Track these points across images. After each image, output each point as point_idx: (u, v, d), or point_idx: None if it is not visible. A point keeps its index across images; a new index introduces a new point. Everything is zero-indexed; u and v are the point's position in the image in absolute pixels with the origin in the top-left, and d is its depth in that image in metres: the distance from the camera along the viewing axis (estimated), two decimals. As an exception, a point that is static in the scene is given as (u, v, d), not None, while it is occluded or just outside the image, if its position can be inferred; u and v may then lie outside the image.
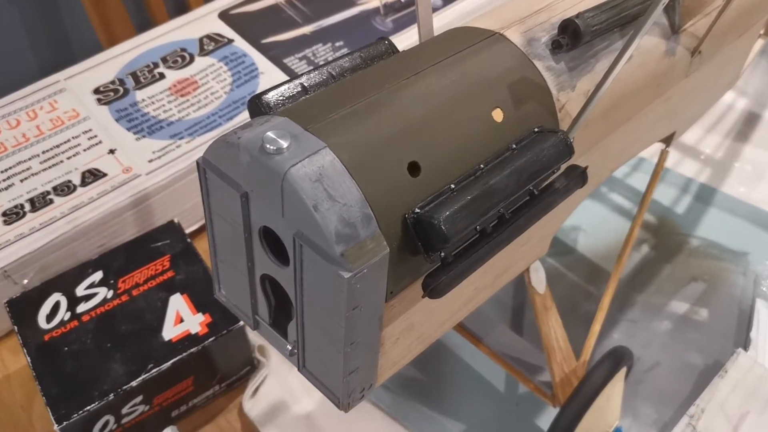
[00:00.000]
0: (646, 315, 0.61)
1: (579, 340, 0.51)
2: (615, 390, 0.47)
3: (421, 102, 0.32)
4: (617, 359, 0.47)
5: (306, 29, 0.79)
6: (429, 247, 0.30)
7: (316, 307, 0.31)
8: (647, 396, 0.56)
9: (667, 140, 0.53)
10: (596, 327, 0.51)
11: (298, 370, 0.35)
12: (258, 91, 0.71)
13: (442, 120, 0.32)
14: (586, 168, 0.36)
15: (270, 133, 0.28)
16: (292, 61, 0.74)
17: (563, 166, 0.35)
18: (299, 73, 0.36)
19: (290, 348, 0.35)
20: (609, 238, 0.67)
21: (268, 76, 0.73)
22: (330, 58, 0.74)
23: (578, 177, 0.36)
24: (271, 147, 0.28)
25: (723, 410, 0.53)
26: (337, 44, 0.76)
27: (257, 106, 0.34)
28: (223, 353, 0.53)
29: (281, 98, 0.34)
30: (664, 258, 0.66)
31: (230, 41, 0.78)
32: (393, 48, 0.38)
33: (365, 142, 0.30)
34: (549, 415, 0.54)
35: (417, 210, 0.30)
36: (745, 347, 0.58)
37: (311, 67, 0.67)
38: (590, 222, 0.69)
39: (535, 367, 0.51)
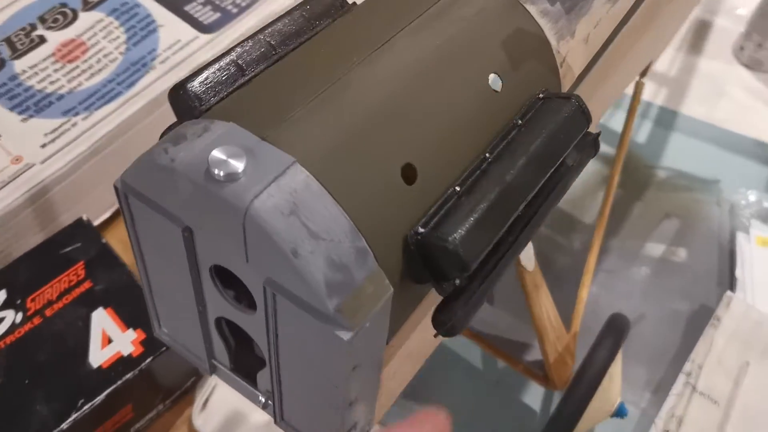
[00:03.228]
0: (622, 263, 0.57)
1: (554, 298, 0.46)
2: (616, 367, 0.42)
3: (401, 82, 0.24)
4: (618, 334, 0.42)
5: (207, -33, 0.68)
6: (441, 277, 0.23)
7: (298, 360, 0.24)
8: (635, 354, 0.52)
9: (644, 71, 0.47)
10: (584, 293, 0.46)
11: (275, 422, 0.28)
12: (159, 48, 0.61)
13: (432, 102, 0.25)
14: (598, 134, 0.29)
15: (216, 153, 0.20)
16: (194, 8, 0.63)
17: (576, 138, 0.29)
18: (229, 48, 0.27)
19: (263, 400, 0.28)
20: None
21: (169, 29, 0.62)
22: (242, 3, 0.64)
23: (591, 147, 0.29)
24: (221, 172, 0.20)
25: (721, 364, 0.50)
26: (247, -17, 0.65)
27: (184, 102, 0.25)
28: (164, 371, 0.45)
29: (214, 86, 0.26)
30: (632, 195, 0.61)
31: (119, -11, 0.66)
32: (342, 2, 0.30)
33: (343, 147, 0.22)
34: (531, 389, 0.50)
35: (421, 229, 0.23)
36: (732, 287, 0.55)
37: (239, 39, 0.56)
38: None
39: (520, 344, 0.46)
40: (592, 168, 0.62)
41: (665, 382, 0.51)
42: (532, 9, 0.28)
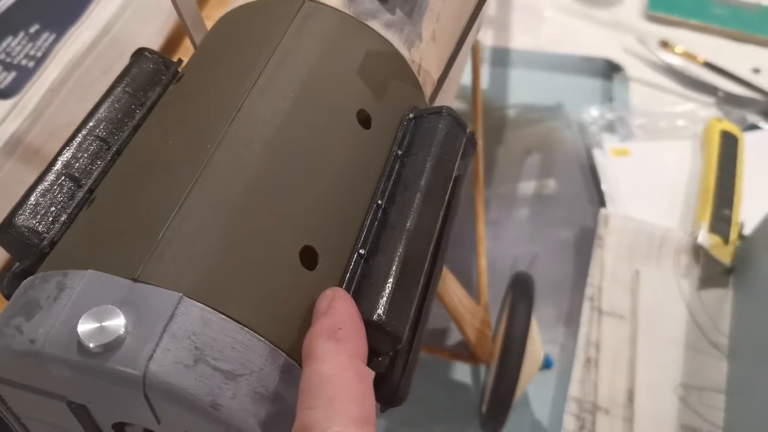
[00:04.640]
0: (502, 211, 0.57)
1: (451, 266, 0.45)
2: (533, 325, 0.42)
3: (268, 159, 0.21)
4: (528, 296, 0.42)
5: (-21, 22, 0.59)
6: (374, 355, 0.21)
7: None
8: (540, 295, 0.52)
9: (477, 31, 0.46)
10: (482, 261, 0.46)
11: None
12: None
13: (306, 169, 0.22)
14: (473, 133, 0.28)
15: (84, 324, 0.17)
16: (-17, 74, 0.56)
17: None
18: (57, 153, 0.23)
19: None
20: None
21: (-39, 106, 0.54)
22: (37, 53, 0.57)
23: (471, 147, 0.28)
24: (97, 344, 0.17)
25: (616, 280, 0.52)
26: (32, 30, 0.58)
27: (18, 242, 0.21)
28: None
29: (49, 212, 0.22)
30: (493, 141, 0.61)
31: None
32: (165, 61, 0.27)
33: (231, 257, 0.19)
34: (462, 367, 0.49)
35: (338, 313, 0.20)
36: (602, 203, 0.57)
37: (34, 117, 0.50)
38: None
39: (440, 331, 0.45)
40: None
41: (573, 312, 0.52)
42: (375, 24, 0.26)
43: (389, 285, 0.21)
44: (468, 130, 0.27)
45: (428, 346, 0.45)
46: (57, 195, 0.22)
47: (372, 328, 0.20)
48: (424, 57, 0.28)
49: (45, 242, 0.21)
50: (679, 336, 0.50)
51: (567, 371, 0.49)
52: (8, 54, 0.57)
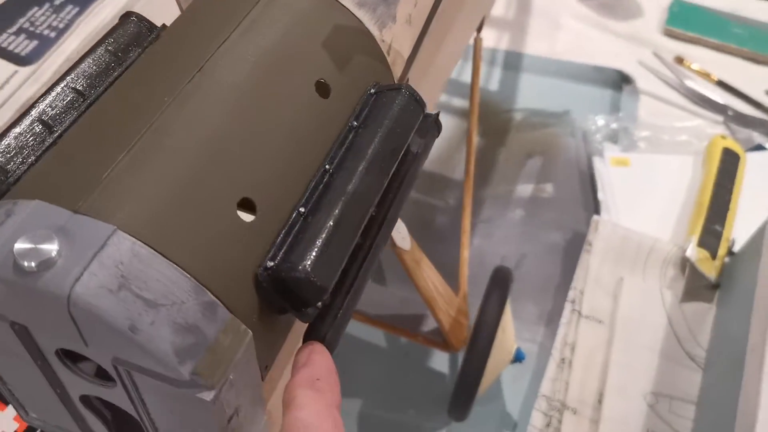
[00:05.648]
0: (497, 210, 0.58)
1: (440, 259, 0.46)
2: (507, 317, 0.43)
3: (219, 113, 0.23)
4: (502, 287, 0.43)
5: (10, -9, 0.62)
6: (301, 305, 0.22)
7: (174, 423, 0.23)
8: (523, 293, 0.53)
9: (479, 27, 0.47)
10: (465, 253, 0.46)
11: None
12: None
13: (257, 127, 0.23)
14: (437, 114, 0.29)
15: (20, 242, 0.18)
16: (6, 40, 0.58)
17: (414, 124, 0.28)
18: (33, 102, 0.25)
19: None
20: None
21: (-17, 67, 0.57)
22: (59, 24, 0.59)
23: (434, 129, 0.29)
24: (31, 263, 0.18)
25: (600, 285, 0.52)
26: (58, 2, 0.61)
27: (-15, 177, 0.23)
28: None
29: (19, 153, 0.24)
30: (495, 142, 0.62)
31: None
32: (149, 26, 0.28)
33: (168, 199, 0.21)
34: (442, 356, 0.50)
35: (269, 263, 0.22)
36: (596, 210, 0.57)
37: (50, 84, 0.52)
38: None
39: (417, 316, 0.46)
40: (452, 124, 0.62)
41: (555, 313, 0.52)
42: (346, 2, 0.27)
43: (320, 240, 0.22)
44: (433, 112, 0.28)
45: (403, 330, 0.46)
46: (28, 138, 0.24)
47: (297, 280, 0.21)
48: (396, 38, 0.29)
49: (11, 179, 0.23)
50: (655, 344, 0.50)
51: (543, 370, 0.49)
52: (32, 23, 0.59)
